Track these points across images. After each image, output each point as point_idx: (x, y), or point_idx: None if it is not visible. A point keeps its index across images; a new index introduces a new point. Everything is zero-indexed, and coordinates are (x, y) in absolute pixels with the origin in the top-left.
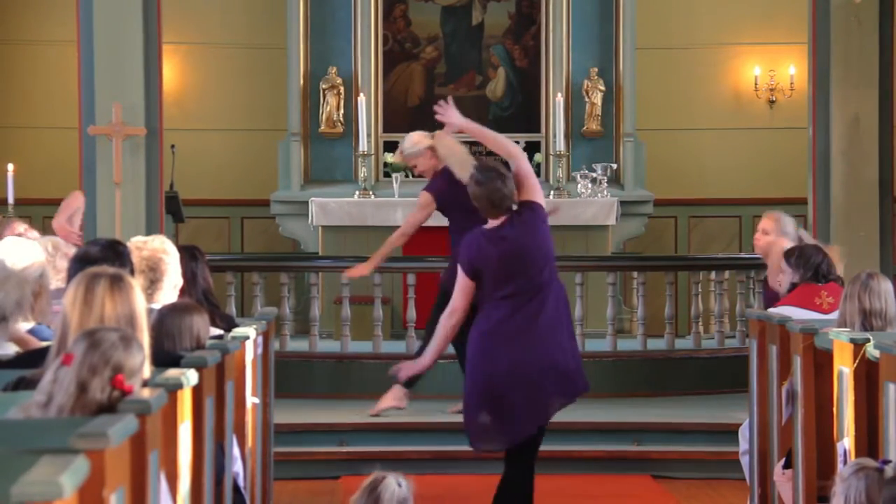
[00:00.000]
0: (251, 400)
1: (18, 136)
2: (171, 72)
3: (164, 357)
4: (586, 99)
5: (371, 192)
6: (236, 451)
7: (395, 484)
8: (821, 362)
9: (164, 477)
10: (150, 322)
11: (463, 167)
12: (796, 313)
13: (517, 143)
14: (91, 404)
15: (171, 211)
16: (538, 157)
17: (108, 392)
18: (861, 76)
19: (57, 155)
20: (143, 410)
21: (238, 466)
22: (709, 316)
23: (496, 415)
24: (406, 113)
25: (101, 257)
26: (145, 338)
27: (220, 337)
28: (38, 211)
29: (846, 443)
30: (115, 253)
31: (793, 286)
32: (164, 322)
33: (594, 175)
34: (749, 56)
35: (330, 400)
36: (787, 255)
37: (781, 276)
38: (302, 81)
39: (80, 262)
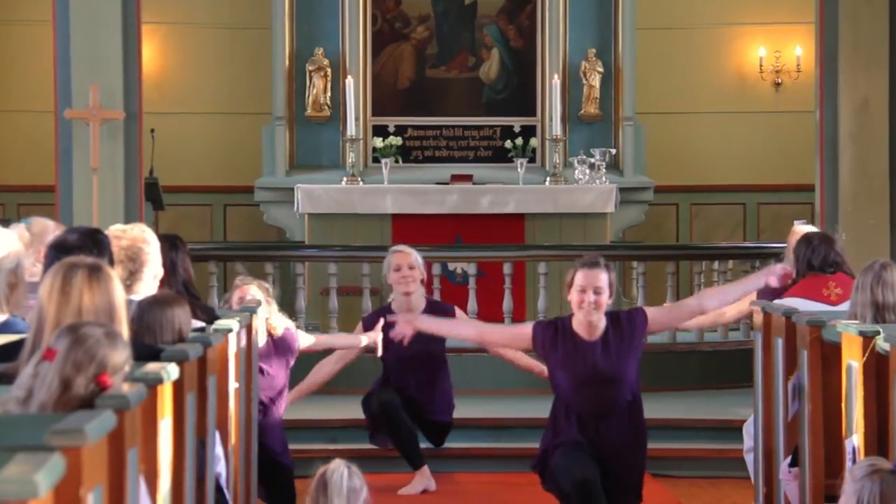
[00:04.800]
0: (233, 385)
1: None
2: (151, 53)
3: (144, 350)
4: (584, 81)
5: (359, 179)
6: (219, 450)
7: (344, 466)
8: (828, 356)
9: (144, 476)
10: (130, 314)
11: None
12: (803, 305)
13: (511, 127)
14: (73, 401)
15: (150, 198)
16: (534, 141)
17: (92, 389)
18: (870, 57)
19: (32, 140)
20: (121, 406)
21: (221, 466)
22: None
23: None
24: (396, 96)
25: (79, 246)
26: (125, 331)
27: (201, 329)
28: (12, 198)
29: (855, 440)
30: (94, 242)
31: (794, 281)
32: (145, 315)
33: (592, 160)
34: (753, 36)
35: (319, 395)
36: (797, 244)
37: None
38: (287, 63)
39: (57, 251)
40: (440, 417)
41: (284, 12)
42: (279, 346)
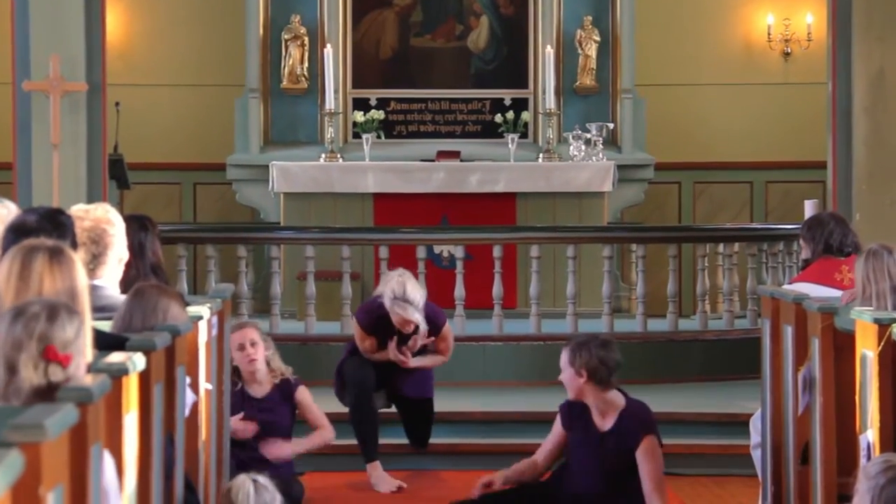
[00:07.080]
0: (204, 386)
1: None
2: (116, 20)
3: (109, 340)
4: (579, 51)
5: (339, 155)
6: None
7: (250, 482)
8: (842, 345)
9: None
10: (125, 300)
11: None
12: (814, 290)
13: (501, 100)
14: (25, 386)
15: (115, 176)
16: (525, 115)
17: (43, 368)
18: (886, 25)
19: None
20: (84, 399)
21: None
22: (716, 293)
23: None
24: (378, 67)
25: (40, 228)
26: (87, 317)
27: None
28: None
29: (870, 435)
30: (56, 224)
31: (805, 263)
32: (137, 295)
33: (588, 136)
34: (761, 3)
35: None
36: (807, 226)
37: None
38: (261, 31)
39: (15, 234)
40: (417, 392)
41: None
42: (283, 388)
